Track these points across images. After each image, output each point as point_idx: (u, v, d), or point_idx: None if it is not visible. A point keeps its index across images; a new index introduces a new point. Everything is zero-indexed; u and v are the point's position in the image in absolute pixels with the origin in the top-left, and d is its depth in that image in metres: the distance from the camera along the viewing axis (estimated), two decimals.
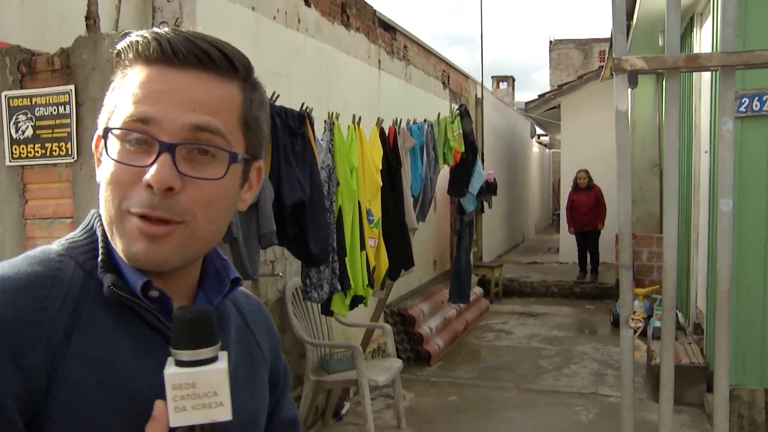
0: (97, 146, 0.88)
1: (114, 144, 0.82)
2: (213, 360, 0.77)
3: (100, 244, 0.86)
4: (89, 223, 0.90)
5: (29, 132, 2.64)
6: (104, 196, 0.83)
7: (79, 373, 0.77)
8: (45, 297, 0.78)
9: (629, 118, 8.33)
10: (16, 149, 2.69)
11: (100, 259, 0.85)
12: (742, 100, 4.47)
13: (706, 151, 5.49)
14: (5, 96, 2.70)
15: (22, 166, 2.71)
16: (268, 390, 1.04)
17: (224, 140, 0.83)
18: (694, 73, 6.18)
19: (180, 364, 0.76)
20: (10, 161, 2.72)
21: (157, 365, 0.79)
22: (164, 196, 0.80)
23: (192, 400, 0.74)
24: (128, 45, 0.84)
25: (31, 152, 2.65)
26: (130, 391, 0.79)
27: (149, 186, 0.79)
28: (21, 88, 2.69)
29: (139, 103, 0.81)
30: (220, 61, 0.83)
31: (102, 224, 0.86)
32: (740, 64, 1.97)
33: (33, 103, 2.64)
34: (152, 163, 0.79)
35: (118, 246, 0.83)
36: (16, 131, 2.66)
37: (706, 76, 5.60)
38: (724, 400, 1.95)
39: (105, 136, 0.83)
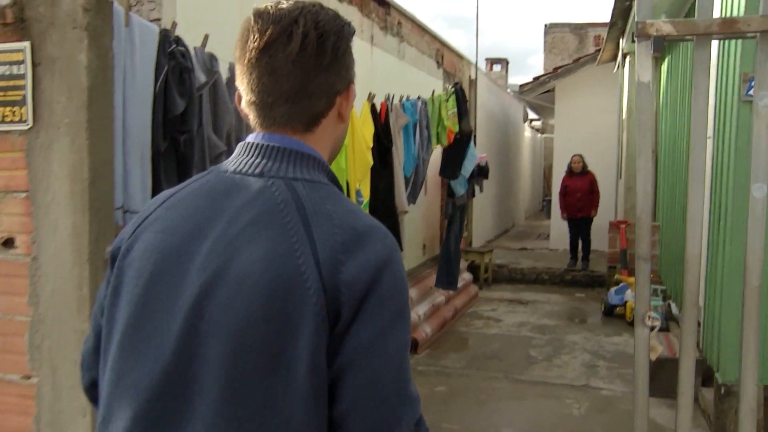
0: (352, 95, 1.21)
1: None
2: None
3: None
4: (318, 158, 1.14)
5: None
6: (343, 142, 1.26)
7: None
8: None
9: (625, 102, 8.03)
10: None
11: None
12: (753, 83, 4.25)
13: (710, 137, 5.28)
14: None
15: None
16: None
17: None
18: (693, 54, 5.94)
19: None
20: None
21: None
22: None
23: None
24: None
25: None
26: None
27: None
28: None
29: None
30: None
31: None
32: None
33: None
34: None
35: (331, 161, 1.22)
36: None
37: (712, 56, 5.37)
38: (751, 411, 1.73)
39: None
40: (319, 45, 1.06)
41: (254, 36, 1.06)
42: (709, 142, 5.25)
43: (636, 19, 1.75)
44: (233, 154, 1.12)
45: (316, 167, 1.09)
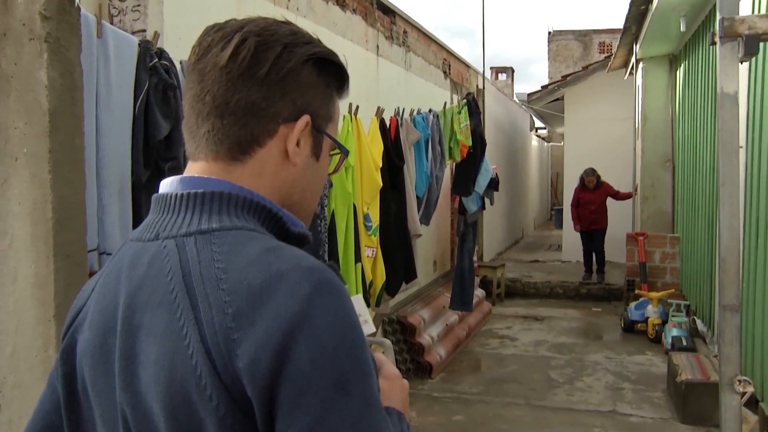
0: (304, 129, 0.92)
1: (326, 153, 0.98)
2: None
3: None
4: (251, 206, 0.89)
5: None
6: (316, 190, 0.97)
7: None
8: None
9: (639, 110, 7.67)
10: None
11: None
12: None
13: (742, 146, 4.94)
14: None
15: None
16: None
17: None
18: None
19: None
20: None
21: None
22: None
23: None
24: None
25: None
26: None
27: None
28: None
29: None
30: None
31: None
32: None
33: None
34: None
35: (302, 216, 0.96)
36: None
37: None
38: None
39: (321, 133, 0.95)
40: (257, 53, 0.87)
41: (195, 46, 0.92)
42: (742, 152, 4.91)
43: (719, 16, 1.40)
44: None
45: (236, 208, 0.86)
